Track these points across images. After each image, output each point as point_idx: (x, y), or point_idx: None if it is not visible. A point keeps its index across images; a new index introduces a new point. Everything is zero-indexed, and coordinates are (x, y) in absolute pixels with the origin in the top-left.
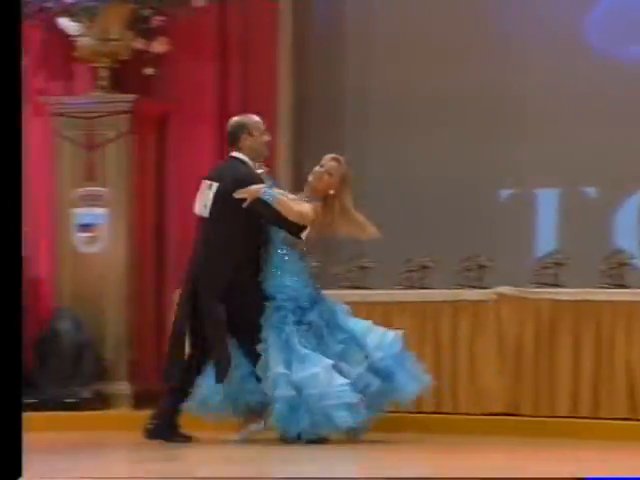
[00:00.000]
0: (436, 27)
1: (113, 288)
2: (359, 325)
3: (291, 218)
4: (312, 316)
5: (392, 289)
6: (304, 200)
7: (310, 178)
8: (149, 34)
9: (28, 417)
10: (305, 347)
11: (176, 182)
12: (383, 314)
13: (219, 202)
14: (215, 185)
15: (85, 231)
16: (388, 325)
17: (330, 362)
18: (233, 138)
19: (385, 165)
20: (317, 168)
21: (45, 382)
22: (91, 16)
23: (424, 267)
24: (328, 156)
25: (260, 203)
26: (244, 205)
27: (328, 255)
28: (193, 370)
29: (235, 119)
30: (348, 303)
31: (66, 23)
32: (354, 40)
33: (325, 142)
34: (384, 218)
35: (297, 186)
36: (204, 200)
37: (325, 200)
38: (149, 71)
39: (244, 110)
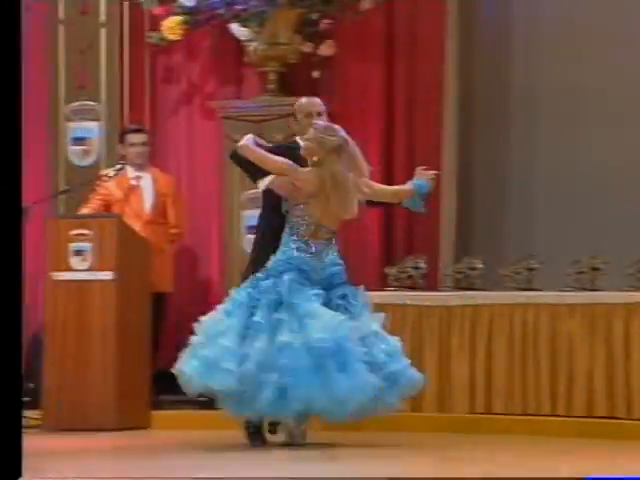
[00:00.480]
0: (600, 26)
1: None
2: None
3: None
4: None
5: (561, 291)
6: None
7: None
8: (317, 37)
9: (198, 415)
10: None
11: None
12: (551, 316)
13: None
14: None
15: (253, 232)
16: (555, 328)
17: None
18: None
19: (552, 165)
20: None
21: None
22: (261, 21)
23: (594, 269)
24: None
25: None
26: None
27: (494, 256)
28: None
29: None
30: (515, 305)
31: (236, 29)
32: (519, 40)
33: (490, 142)
34: (551, 218)
35: (465, 186)
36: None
37: (314, 169)
38: (316, 74)
39: (409, 110)
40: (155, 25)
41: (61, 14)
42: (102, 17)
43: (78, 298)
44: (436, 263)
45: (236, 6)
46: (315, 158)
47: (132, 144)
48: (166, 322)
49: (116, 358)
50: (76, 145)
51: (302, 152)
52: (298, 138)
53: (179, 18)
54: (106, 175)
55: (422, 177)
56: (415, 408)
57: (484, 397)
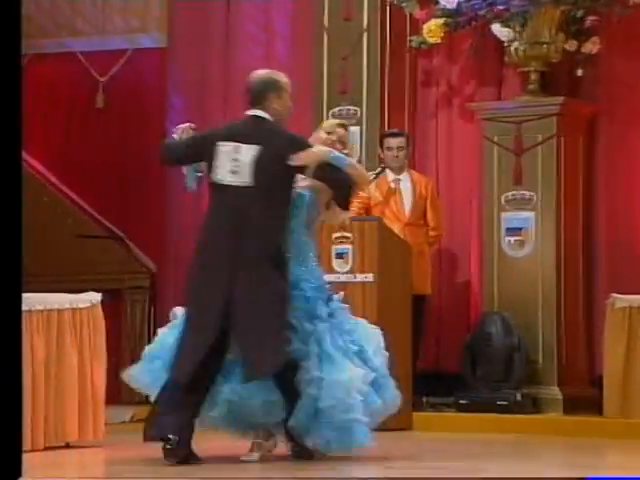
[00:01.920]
0: None
1: (542, 291)
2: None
3: (361, 182)
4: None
5: None
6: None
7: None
8: (581, 35)
9: (459, 417)
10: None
11: (606, 183)
12: None
13: (265, 167)
14: (253, 148)
15: (514, 235)
16: None
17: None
18: (259, 96)
19: None
20: (322, 135)
21: (477, 384)
22: (523, 21)
23: None
24: (333, 122)
25: (327, 167)
26: (307, 172)
27: None
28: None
29: (265, 73)
30: None
31: (498, 30)
32: None
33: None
34: None
35: None
36: (231, 166)
37: None
38: (580, 72)
39: None
40: (416, 29)
41: (325, 21)
42: (365, 22)
43: None
44: None
45: (498, 6)
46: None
47: (389, 148)
48: (426, 324)
49: None
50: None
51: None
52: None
53: (440, 21)
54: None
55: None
56: None
57: None
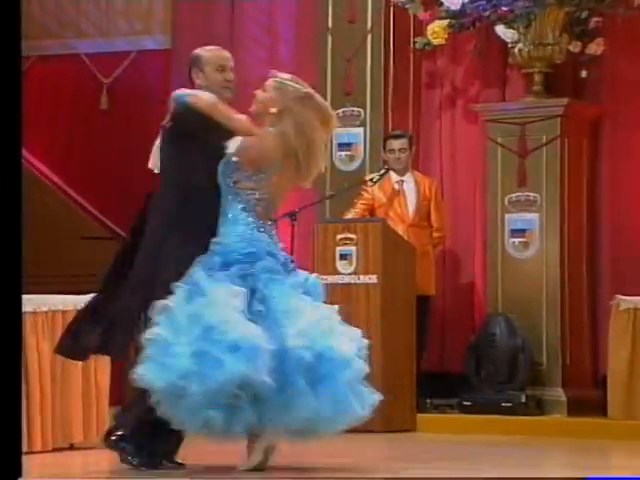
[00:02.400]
0: None
1: (547, 292)
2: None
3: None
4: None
5: None
6: None
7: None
8: (585, 36)
9: (463, 418)
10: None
11: (610, 184)
12: None
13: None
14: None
15: (518, 236)
16: None
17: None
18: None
19: None
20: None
21: (481, 385)
22: (527, 22)
23: None
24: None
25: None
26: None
27: None
28: None
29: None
30: None
31: (502, 31)
32: None
33: None
34: None
35: None
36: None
37: (274, 129)
38: (584, 73)
39: None
40: (420, 30)
41: (329, 23)
42: (369, 24)
43: (343, 301)
44: None
45: (502, 8)
46: (274, 109)
47: (391, 150)
48: (430, 325)
49: (381, 360)
50: (341, 151)
51: (255, 107)
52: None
53: (444, 22)
54: (371, 180)
55: None
56: None
57: None
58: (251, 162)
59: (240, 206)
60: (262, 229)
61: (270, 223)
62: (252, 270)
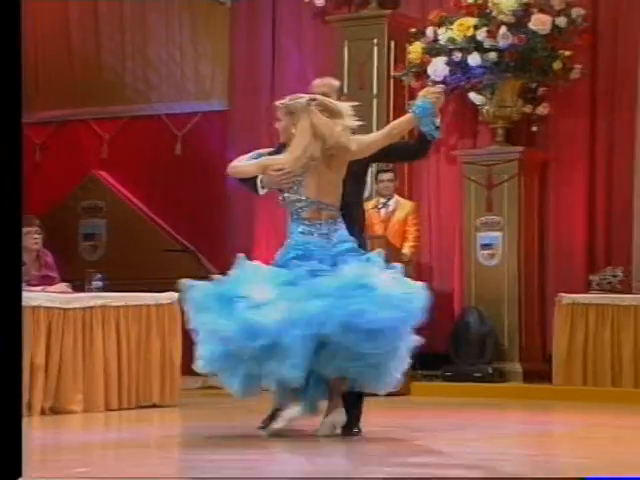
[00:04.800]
0: None
1: (508, 291)
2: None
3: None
4: None
5: None
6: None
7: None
8: (535, 100)
9: (446, 385)
10: None
11: (555, 210)
12: None
13: None
14: None
15: (486, 249)
16: None
17: None
18: None
19: None
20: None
21: (458, 361)
22: (492, 90)
23: None
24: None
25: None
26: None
27: None
28: None
29: None
30: None
31: (474, 96)
32: None
33: None
34: None
35: None
36: None
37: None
38: (534, 128)
39: (609, 157)
40: (412, 95)
41: (345, 89)
42: (374, 90)
43: None
44: (630, 271)
45: (474, 79)
46: (294, 130)
47: (381, 180)
48: None
49: None
50: None
51: (281, 137)
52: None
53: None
54: (375, 206)
55: (423, 99)
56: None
57: None
58: (283, 185)
59: (293, 217)
60: (313, 232)
61: (322, 222)
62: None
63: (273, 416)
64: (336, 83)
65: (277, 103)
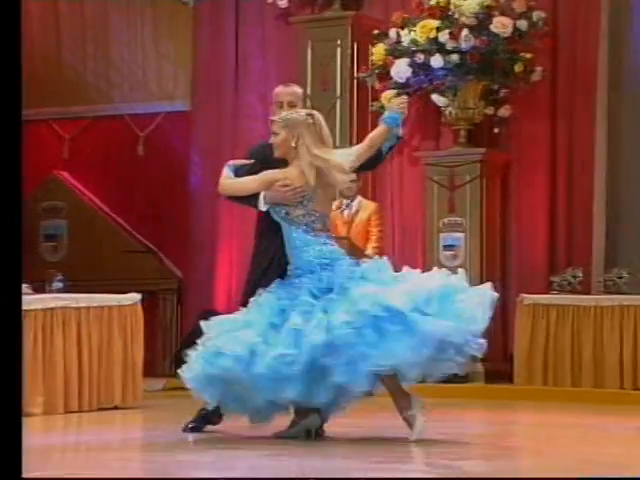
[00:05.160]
0: None
1: None
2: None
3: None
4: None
5: None
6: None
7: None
8: (497, 102)
9: (412, 386)
10: None
11: (516, 211)
12: None
13: None
14: None
15: (449, 250)
16: None
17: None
18: None
19: None
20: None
21: None
22: (454, 92)
23: None
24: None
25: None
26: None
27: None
28: None
29: None
30: None
31: (436, 98)
32: None
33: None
34: None
35: (612, 211)
36: None
37: (297, 162)
38: (496, 130)
39: (569, 158)
40: (376, 97)
41: (308, 90)
42: (338, 91)
43: None
44: (590, 272)
45: (436, 81)
46: (293, 144)
47: None
48: None
49: None
50: None
51: (276, 152)
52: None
53: (394, 91)
54: (341, 206)
55: (391, 110)
56: (576, 383)
57: (632, 375)
58: (288, 199)
59: (302, 229)
60: (326, 242)
61: (328, 234)
62: (331, 273)
63: (292, 425)
64: (300, 90)
65: (274, 117)
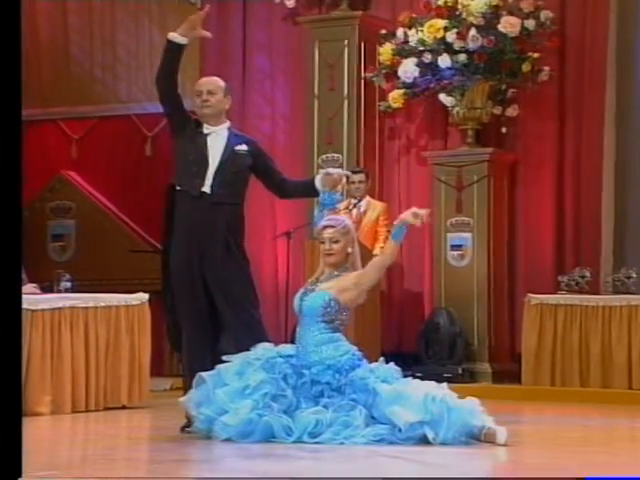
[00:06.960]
0: None
1: (477, 292)
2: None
3: None
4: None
5: None
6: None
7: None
8: (504, 102)
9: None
10: None
11: (523, 210)
12: None
13: None
14: None
15: (456, 250)
16: None
17: None
18: None
19: None
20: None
21: (429, 361)
22: (462, 92)
23: None
24: (320, 227)
25: None
26: None
27: None
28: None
29: None
30: None
31: (444, 98)
32: None
33: None
34: None
35: (620, 214)
36: None
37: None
38: (504, 130)
39: (576, 160)
40: (383, 97)
41: (315, 90)
42: (345, 92)
43: None
44: (598, 272)
45: (444, 81)
46: (349, 250)
47: (352, 182)
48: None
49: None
50: None
51: (336, 258)
52: None
53: (401, 91)
54: (348, 207)
55: (330, 195)
56: (584, 384)
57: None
58: (349, 303)
59: (337, 334)
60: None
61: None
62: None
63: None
64: (223, 83)
65: (332, 223)
